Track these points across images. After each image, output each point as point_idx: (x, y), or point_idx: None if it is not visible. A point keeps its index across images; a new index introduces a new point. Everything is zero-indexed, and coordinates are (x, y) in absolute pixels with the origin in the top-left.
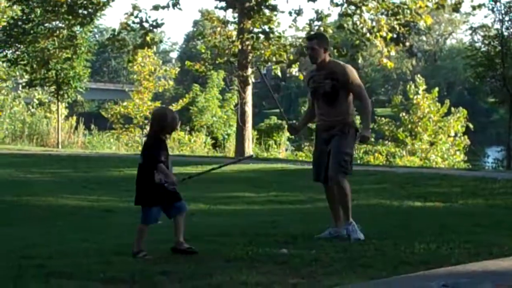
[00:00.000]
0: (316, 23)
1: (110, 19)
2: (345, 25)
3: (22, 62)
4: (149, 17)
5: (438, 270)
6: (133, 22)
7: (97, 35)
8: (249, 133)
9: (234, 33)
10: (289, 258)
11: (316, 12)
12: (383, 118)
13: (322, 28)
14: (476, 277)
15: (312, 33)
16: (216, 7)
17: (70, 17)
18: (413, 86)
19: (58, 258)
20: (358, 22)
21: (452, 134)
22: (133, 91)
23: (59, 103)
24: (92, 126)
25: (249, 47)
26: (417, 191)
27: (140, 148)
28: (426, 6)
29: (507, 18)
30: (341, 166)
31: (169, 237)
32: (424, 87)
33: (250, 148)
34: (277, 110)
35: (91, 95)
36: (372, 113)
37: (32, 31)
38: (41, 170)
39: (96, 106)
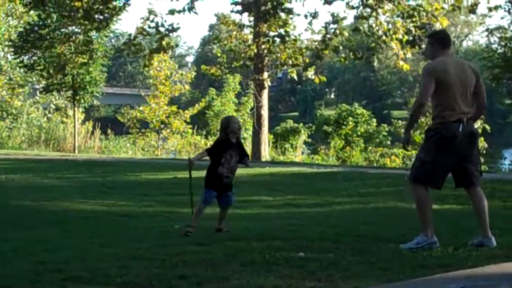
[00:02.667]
0: (332, 26)
1: (126, 24)
2: (361, 27)
3: (38, 68)
4: (165, 21)
5: (455, 273)
6: (149, 27)
7: (113, 40)
8: (265, 136)
9: (250, 36)
10: (306, 261)
11: (332, 15)
12: (399, 121)
13: (338, 31)
14: (494, 280)
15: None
16: (232, 11)
17: (86, 22)
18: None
19: (75, 262)
20: (374, 25)
21: None
22: (149, 96)
23: (76, 108)
24: (109, 130)
25: (265, 51)
26: (433, 194)
27: (156, 152)
28: (442, 8)
29: None
30: (412, 172)
31: (187, 240)
32: None
33: (266, 151)
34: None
35: (107, 100)
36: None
37: (48, 37)
38: (58, 175)
39: (113, 111)
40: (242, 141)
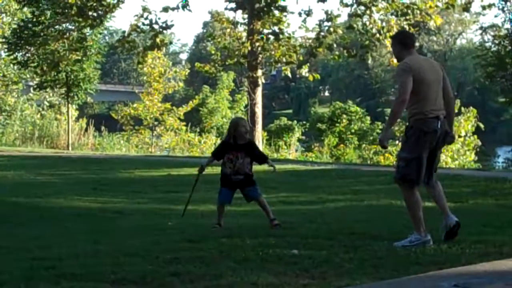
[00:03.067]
0: (325, 23)
1: (120, 21)
2: (355, 25)
3: (32, 65)
4: (159, 18)
5: (449, 270)
6: (143, 24)
7: (107, 37)
8: (259, 134)
9: (244, 34)
10: (300, 259)
11: (326, 12)
12: None
13: (331, 29)
14: (487, 277)
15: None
16: (226, 8)
17: (80, 19)
18: None
19: (69, 259)
20: (367, 23)
21: (463, 134)
22: (143, 93)
23: (69, 105)
24: (102, 127)
25: (259, 48)
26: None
27: (149, 149)
28: (436, 6)
29: None
30: (398, 173)
31: (181, 237)
32: None
33: (260, 149)
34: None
35: (101, 97)
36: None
37: (42, 34)
38: (52, 172)
39: (106, 108)
40: None
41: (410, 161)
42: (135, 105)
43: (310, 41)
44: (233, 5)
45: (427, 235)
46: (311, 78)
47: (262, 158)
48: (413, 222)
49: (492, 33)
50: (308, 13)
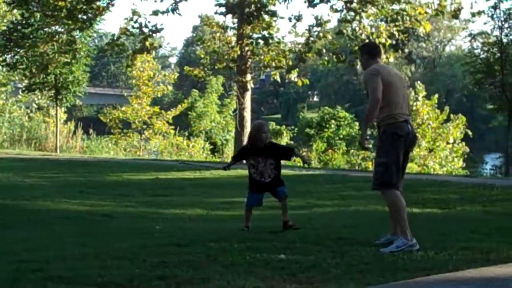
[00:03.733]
0: (315, 29)
1: (110, 24)
2: (345, 31)
3: (21, 67)
4: (149, 22)
5: (436, 276)
6: (133, 27)
7: (96, 40)
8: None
9: (234, 38)
10: (287, 263)
11: (316, 18)
12: None
13: (321, 34)
14: (474, 284)
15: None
16: (215, 13)
17: (70, 21)
18: (413, 93)
19: (56, 262)
20: (357, 28)
21: (451, 141)
22: (131, 96)
23: (58, 107)
24: (91, 130)
25: (249, 53)
26: (415, 198)
27: (138, 152)
28: (425, 12)
29: (506, 25)
30: (377, 179)
31: (168, 241)
32: (424, 93)
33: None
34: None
35: (90, 100)
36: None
37: (31, 36)
38: (39, 175)
39: (95, 111)
40: (225, 142)
41: (389, 165)
42: (123, 108)
43: (300, 46)
44: (223, 9)
45: (413, 238)
46: (300, 83)
47: (287, 153)
48: (399, 225)
49: (481, 40)
50: (298, 18)
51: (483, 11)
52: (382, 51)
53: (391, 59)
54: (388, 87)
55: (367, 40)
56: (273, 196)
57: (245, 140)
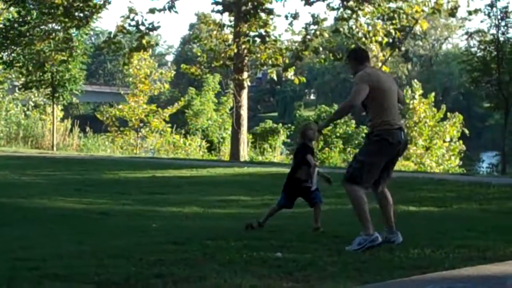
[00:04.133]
0: (312, 27)
1: (107, 22)
2: (341, 29)
3: (17, 64)
4: (145, 20)
5: (432, 274)
6: (130, 25)
7: (93, 38)
8: (244, 136)
9: (230, 36)
10: (284, 262)
11: (313, 16)
12: None
13: (318, 32)
14: (470, 282)
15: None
16: (212, 11)
17: (66, 19)
18: (409, 91)
19: (52, 260)
20: (354, 27)
21: (448, 139)
22: (128, 94)
23: (55, 105)
24: (87, 128)
25: (245, 51)
26: (412, 196)
27: (134, 150)
28: (422, 10)
29: (503, 23)
30: (348, 172)
31: (165, 239)
32: (421, 92)
33: (245, 151)
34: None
35: (87, 98)
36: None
37: (28, 34)
38: (36, 172)
39: (92, 109)
40: (221, 141)
41: (365, 165)
42: (120, 106)
43: (296, 44)
44: (220, 7)
45: (375, 232)
46: (296, 81)
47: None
48: (361, 221)
49: (477, 39)
50: (295, 16)
51: (480, 9)
52: (370, 55)
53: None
54: (381, 93)
55: (364, 39)
56: (308, 203)
57: (242, 138)
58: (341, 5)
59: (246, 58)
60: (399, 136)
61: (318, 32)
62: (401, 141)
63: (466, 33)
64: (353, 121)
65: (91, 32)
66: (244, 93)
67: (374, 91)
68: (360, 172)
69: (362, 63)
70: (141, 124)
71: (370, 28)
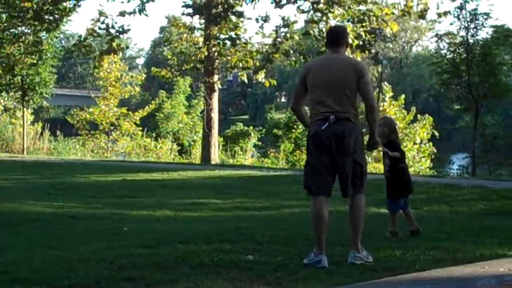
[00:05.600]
0: (282, 29)
1: (77, 25)
2: (311, 31)
3: None
4: (116, 23)
5: (403, 276)
6: (100, 28)
7: (63, 41)
8: (215, 139)
9: (201, 39)
10: (255, 264)
11: (283, 18)
12: None
13: (288, 35)
14: (441, 283)
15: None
16: (182, 14)
17: (36, 23)
18: (379, 93)
19: (23, 264)
20: (324, 29)
21: (418, 141)
22: (99, 97)
23: (25, 109)
24: (58, 132)
25: (216, 54)
26: (382, 198)
27: (105, 154)
28: (392, 13)
29: (472, 26)
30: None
31: (136, 242)
32: (391, 94)
33: (216, 154)
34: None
35: (57, 101)
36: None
37: None
38: (6, 176)
39: (62, 112)
40: (192, 143)
41: (305, 167)
42: (91, 109)
43: (267, 47)
44: (190, 10)
45: (320, 255)
46: (267, 84)
47: None
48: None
49: (447, 41)
50: (265, 19)
51: (449, 12)
52: (333, 39)
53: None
54: (310, 85)
55: None
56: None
57: (213, 141)
58: (311, 7)
59: (217, 61)
60: (317, 127)
61: (288, 35)
62: (317, 131)
63: (436, 35)
64: None
65: (61, 35)
66: (215, 96)
67: (308, 83)
68: (305, 177)
69: (328, 47)
70: (112, 128)
71: None
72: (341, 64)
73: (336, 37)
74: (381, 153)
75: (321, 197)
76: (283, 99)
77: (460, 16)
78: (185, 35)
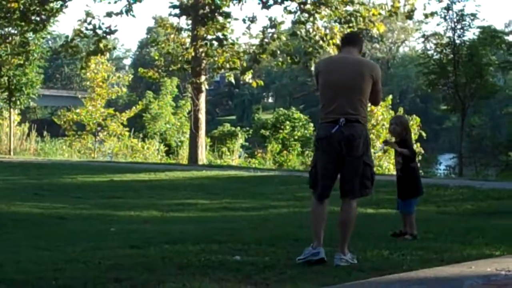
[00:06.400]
0: (269, 30)
1: (64, 25)
2: (298, 32)
3: None
4: (103, 23)
5: (390, 276)
6: (87, 29)
7: (50, 42)
8: (203, 140)
9: (188, 40)
10: (242, 265)
11: (270, 19)
12: None
13: (275, 36)
14: (428, 284)
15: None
16: (170, 14)
17: (23, 23)
18: None
19: (9, 265)
20: (311, 30)
21: None
22: (86, 98)
23: (11, 109)
24: (45, 133)
25: (203, 54)
26: (369, 198)
27: (92, 154)
28: (379, 13)
29: (459, 26)
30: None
31: (123, 243)
32: None
33: (203, 155)
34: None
35: (44, 102)
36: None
37: None
38: None
39: (49, 113)
40: (180, 144)
41: (310, 169)
42: (78, 110)
43: (254, 47)
44: (177, 11)
45: (318, 247)
46: (254, 85)
47: None
48: (312, 232)
49: (434, 41)
50: (252, 19)
51: (436, 12)
52: (348, 38)
53: None
54: (322, 86)
55: (321, 42)
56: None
57: (200, 142)
58: (298, 8)
59: (204, 61)
60: (327, 130)
61: (275, 36)
62: (328, 135)
63: (423, 36)
64: (311, 124)
65: (48, 36)
66: (202, 97)
67: (319, 84)
68: (309, 177)
69: (341, 48)
70: (99, 128)
71: (327, 31)
72: (355, 66)
73: (352, 37)
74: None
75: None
76: (270, 100)
77: (447, 17)
78: (172, 36)
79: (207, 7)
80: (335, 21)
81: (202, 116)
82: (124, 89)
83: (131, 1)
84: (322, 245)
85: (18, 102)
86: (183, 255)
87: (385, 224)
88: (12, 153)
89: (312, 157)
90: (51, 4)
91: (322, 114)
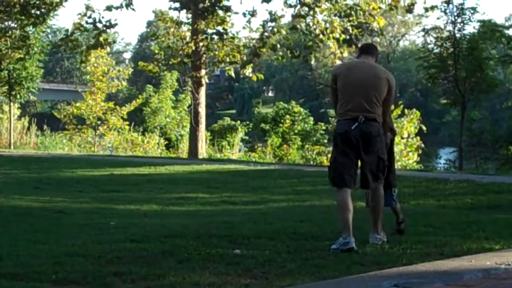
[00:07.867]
0: (269, 24)
1: (63, 19)
2: (299, 26)
3: None
4: (103, 17)
5: (390, 270)
6: (87, 23)
7: (50, 36)
8: (202, 134)
9: (188, 33)
10: (242, 258)
11: (270, 13)
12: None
13: (275, 29)
14: (427, 277)
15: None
16: (170, 8)
17: (23, 17)
18: None
19: (9, 259)
20: (311, 24)
21: (405, 135)
22: (86, 92)
23: (11, 103)
24: (45, 126)
25: (203, 48)
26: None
27: (92, 148)
28: (379, 7)
29: (459, 20)
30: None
31: (123, 237)
32: None
33: (203, 149)
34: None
35: (44, 96)
36: (325, 114)
37: None
38: None
39: (49, 107)
40: (180, 138)
41: (331, 163)
42: (78, 104)
43: (254, 41)
44: (177, 4)
45: (349, 237)
46: (254, 78)
47: None
48: (340, 223)
49: (434, 35)
50: (252, 13)
51: (436, 6)
52: (365, 48)
53: (345, 54)
54: (342, 86)
55: (321, 36)
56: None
57: (200, 135)
58: (298, 2)
59: (204, 55)
60: (347, 125)
61: (275, 29)
62: (348, 130)
63: (423, 29)
64: (311, 118)
65: (48, 30)
66: (202, 91)
67: (337, 83)
68: (330, 171)
69: (359, 56)
70: (99, 122)
71: (327, 25)
72: (375, 70)
73: (368, 46)
74: None
75: (346, 188)
76: (270, 94)
77: (447, 11)
78: (172, 30)
79: (207, 1)
80: (335, 15)
81: (202, 110)
82: (124, 83)
83: None
84: (351, 235)
85: (18, 96)
86: (183, 248)
87: (385, 218)
88: (12, 147)
89: (331, 152)
90: None
91: (340, 111)
